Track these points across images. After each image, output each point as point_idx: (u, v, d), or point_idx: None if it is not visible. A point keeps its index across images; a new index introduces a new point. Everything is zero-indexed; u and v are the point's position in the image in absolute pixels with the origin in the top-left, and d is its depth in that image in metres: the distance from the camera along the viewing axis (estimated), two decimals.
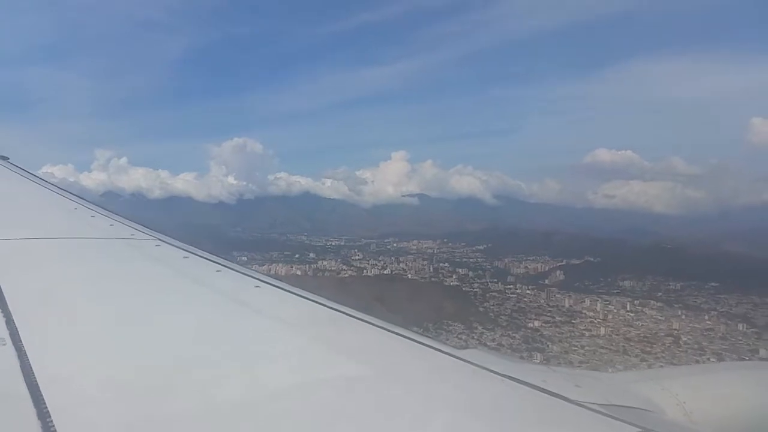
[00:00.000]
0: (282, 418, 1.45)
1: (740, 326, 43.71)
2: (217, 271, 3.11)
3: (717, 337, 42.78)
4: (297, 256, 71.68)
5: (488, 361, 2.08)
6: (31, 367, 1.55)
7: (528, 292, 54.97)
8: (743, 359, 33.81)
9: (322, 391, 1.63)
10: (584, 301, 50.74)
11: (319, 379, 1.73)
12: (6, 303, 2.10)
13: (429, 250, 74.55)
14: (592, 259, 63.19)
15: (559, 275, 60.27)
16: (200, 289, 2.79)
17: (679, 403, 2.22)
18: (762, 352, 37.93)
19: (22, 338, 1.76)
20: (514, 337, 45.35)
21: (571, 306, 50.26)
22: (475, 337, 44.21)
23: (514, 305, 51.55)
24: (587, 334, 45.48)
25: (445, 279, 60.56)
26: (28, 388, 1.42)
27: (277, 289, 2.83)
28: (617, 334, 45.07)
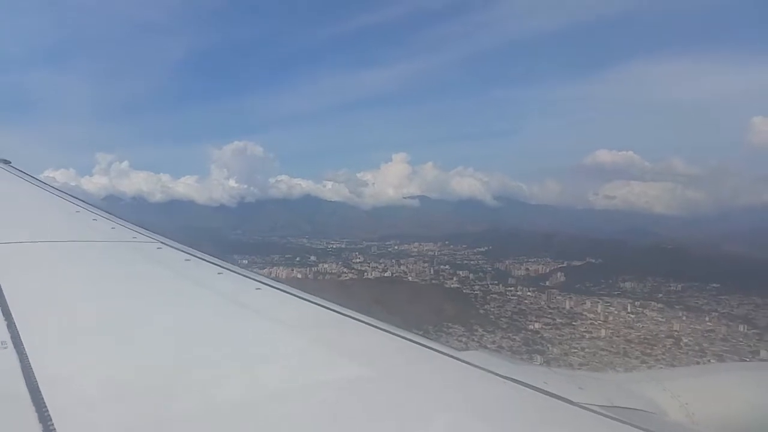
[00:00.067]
0: (282, 420, 1.45)
1: (741, 327, 43.51)
2: (219, 273, 3.12)
3: (718, 339, 42.56)
4: (298, 258, 71.48)
5: (490, 363, 2.07)
6: (32, 370, 1.55)
7: (529, 293, 54.67)
8: (744, 360, 33.68)
9: (322, 392, 1.63)
10: (585, 303, 50.47)
11: (320, 380, 1.73)
12: (7, 305, 2.11)
13: (430, 253, 74.29)
14: (593, 261, 62.95)
15: (560, 277, 60.07)
16: (202, 291, 2.80)
17: (681, 404, 2.22)
18: (763, 354, 37.72)
19: (23, 341, 1.76)
20: (515, 339, 45.14)
21: (571, 308, 50.02)
22: (476, 339, 43.98)
23: (515, 307, 51.30)
24: (588, 336, 45.27)
25: (445, 281, 60.31)
26: (29, 391, 1.42)
27: (278, 291, 2.84)
28: (618, 336, 44.86)
